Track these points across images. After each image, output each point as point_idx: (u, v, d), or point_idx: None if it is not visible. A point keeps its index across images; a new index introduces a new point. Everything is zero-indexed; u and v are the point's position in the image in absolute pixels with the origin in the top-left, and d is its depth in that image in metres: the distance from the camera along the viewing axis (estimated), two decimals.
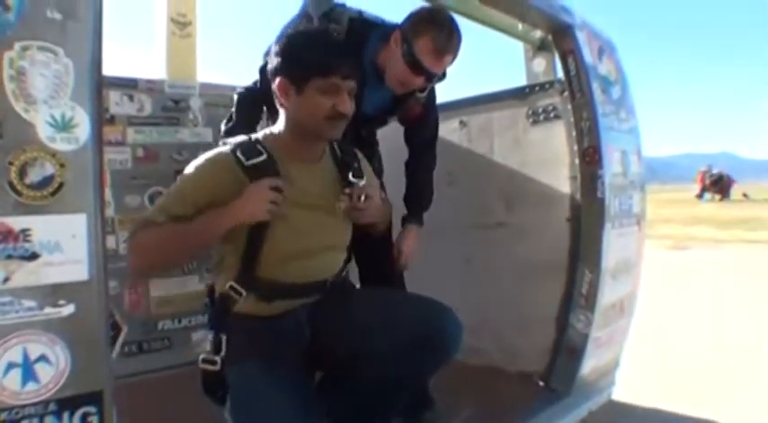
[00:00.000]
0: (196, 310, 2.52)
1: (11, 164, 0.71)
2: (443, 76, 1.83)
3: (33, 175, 0.73)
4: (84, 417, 0.78)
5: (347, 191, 1.39)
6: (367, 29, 1.87)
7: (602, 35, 2.35)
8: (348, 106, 1.34)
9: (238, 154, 1.29)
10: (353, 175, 1.45)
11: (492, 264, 2.47)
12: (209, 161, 1.31)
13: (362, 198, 1.38)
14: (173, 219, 1.23)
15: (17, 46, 0.72)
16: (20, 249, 0.72)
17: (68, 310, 0.76)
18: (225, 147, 1.34)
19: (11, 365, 0.73)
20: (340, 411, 1.40)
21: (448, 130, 2.57)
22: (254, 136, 1.40)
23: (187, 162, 2.52)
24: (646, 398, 2.58)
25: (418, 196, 2.07)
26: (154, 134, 2.59)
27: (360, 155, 1.58)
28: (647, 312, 2.93)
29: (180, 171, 2.54)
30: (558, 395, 2.14)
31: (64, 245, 0.75)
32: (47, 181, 0.74)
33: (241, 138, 1.37)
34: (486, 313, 2.31)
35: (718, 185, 22.51)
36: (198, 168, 1.30)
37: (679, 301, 4.85)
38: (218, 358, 1.29)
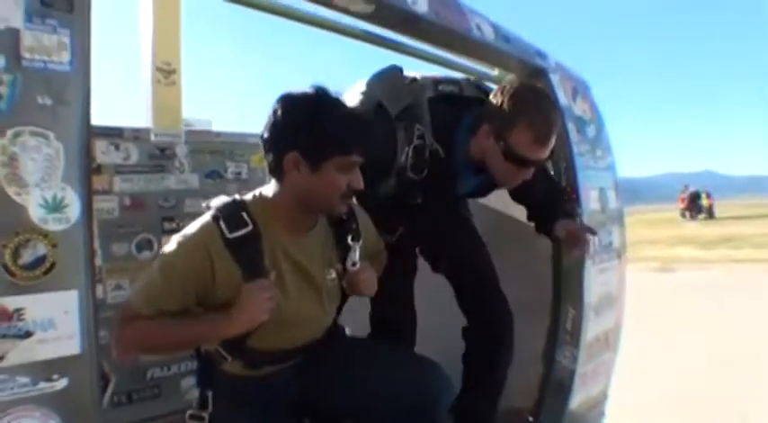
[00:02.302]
0: (185, 357, 2.52)
1: (4, 246, 0.74)
2: (552, 154, 1.69)
3: (26, 256, 0.76)
4: None
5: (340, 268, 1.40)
6: (453, 117, 1.76)
7: (576, 75, 2.44)
8: (361, 182, 1.30)
9: (221, 224, 1.24)
10: (352, 238, 1.43)
11: None
12: (191, 247, 1.24)
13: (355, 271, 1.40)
14: (162, 312, 1.20)
15: (9, 133, 0.76)
16: (14, 329, 0.74)
17: (62, 384, 0.79)
18: (207, 216, 1.27)
19: None
20: None
21: None
22: (241, 199, 1.33)
23: (174, 209, 2.57)
24: None
25: (563, 204, 1.98)
26: (140, 182, 2.61)
27: (358, 210, 1.52)
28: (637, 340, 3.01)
29: (167, 218, 2.58)
30: None
31: (57, 321, 0.78)
32: (39, 261, 0.77)
33: (225, 201, 1.30)
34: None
35: (696, 203, 22.92)
36: (181, 255, 1.23)
37: (670, 326, 4.94)
38: (205, 414, 1.29)
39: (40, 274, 0.77)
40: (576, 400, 2.20)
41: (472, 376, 1.97)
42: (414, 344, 2.06)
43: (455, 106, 1.76)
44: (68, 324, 0.79)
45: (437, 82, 1.77)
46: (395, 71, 1.77)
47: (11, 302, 0.75)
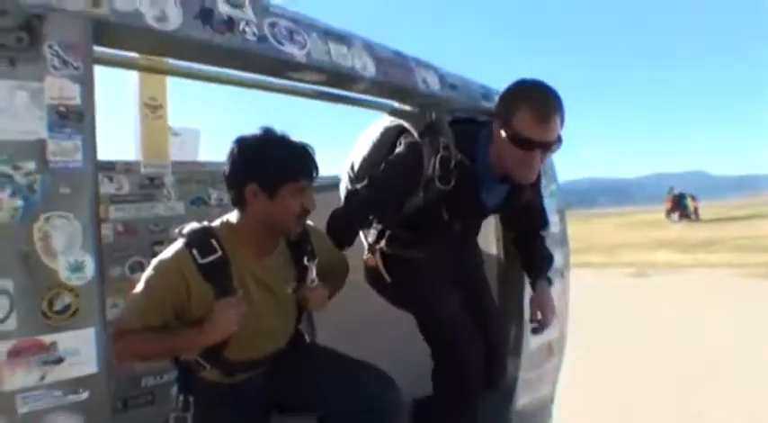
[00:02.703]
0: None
1: (42, 299, 1.03)
2: (560, 141, 1.72)
3: (57, 305, 1.05)
4: None
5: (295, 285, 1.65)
6: (472, 131, 1.87)
7: None
8: (313, 204, 1.54)
9: (194, 252, 1.46)
10: (307, 259, 1.67)
11: None
12: (167, 272, 1.45)
13: (312, 288, 1.65)
14: (148, 327, 1.41)
15: (42, 217, 1.05)
16: (50, 357, 1.03)
17: (84, 395, 1.08)
18: (180, 243, 1.48)
19: None
20: None
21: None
22: (209, 226, 1.55)
23: (162, 232, 2.83)
24: None
25: (544, 259, 2.15)
26: (132, 210, 2.87)
27: (314, 232, 1.74)
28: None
29: (157, 242, 2.82)
30: None
31: (81, 350, 1.06)
32: (67, 308, 1.06)
33: (195, 228, 1.52)
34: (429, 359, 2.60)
35: (681, 205, 23.03)
36: (158, 279, 1.45)
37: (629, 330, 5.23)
38: (187, 415, 1.53)
39: (68, 317, 1.06)
40: (522, 402, 2.48)
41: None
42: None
43: (473, 125, 1.93)
44: (88, 352, 1.08)
45: (451, 112, 2.02)
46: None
47: (48, 338, 1.03)
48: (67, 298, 1.06)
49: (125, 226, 2.87)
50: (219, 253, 1.48)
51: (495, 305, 2.24)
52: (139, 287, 1.47)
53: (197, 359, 1.53)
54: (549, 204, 2.66)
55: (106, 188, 2.86)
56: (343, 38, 1.76)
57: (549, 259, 2.16)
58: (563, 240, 2.73)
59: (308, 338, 1.88)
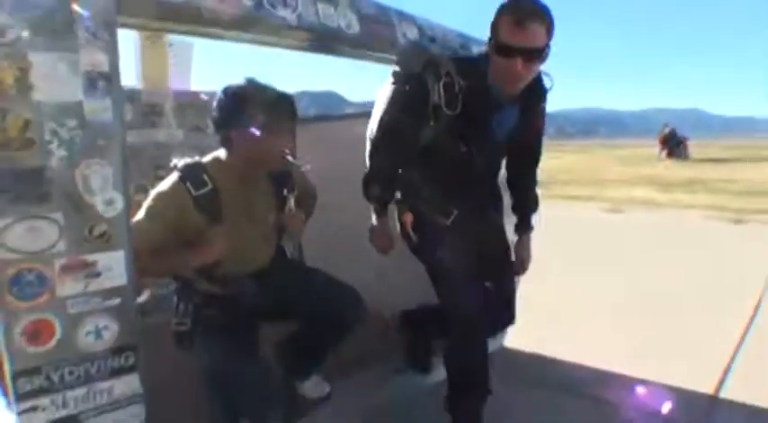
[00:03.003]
0: None
1: (84, 227, 1.34)
2: (542, 50, 1.80)
3: (95, 232, 1.35)
4: (126, 357, 1.45)
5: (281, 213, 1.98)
6: (473, 59, 2.04)
7: None
8: (290, 143, 1.86)
9: (188, 185, 1.74)
10: (287, 191, 2.00)
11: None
12: (166, 201, 1.74)
13: (290, 215, 1.99)
14: (150, 249, 1.65)
15: (83, 163, 1.32)
16: (91, 271, 1.35)
17: (116, 301, 1.40)
18: (175, 177, 1.76)
19: (88, 332, 1.37)
20: (285, 353, 2.13)
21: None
22: (201, 162, 1.82)
23: (164, 157, 3.08)
24: (529, 344, 3.31)
25: (528, 205, 2.33)
26: (135, 136, 3.11)
27: (297, 166, 2.01)
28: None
29: (159, 166, 3.08)
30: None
31: (113, 267, 1.38)
32: (103, 234, 1.36)
33: (188, 163, 1.79)
34: (399, 281, 2.75)
35: (670, 143, 23.09)
36: (159, 207, 1.73)
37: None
38: (187, 321, 1.87)
39: (104, 242, 1.36)
40: None
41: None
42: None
43: (475, 56, 2.09)
44: (119, 268, 1.39)
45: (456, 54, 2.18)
46: (413, 45, 2.16)
47: (90, 257, 1.35)
48: (103, 226, 1.36)
49: (130, 150, 3.12)
50: (210, 186, 1.77)
51: (510, 263, 2.37)
52: (141, 215, 1.73)
53: (193, 275, 1.86)
54: None
55: None
56: None
57: (535, 204, 2.34)
58: None
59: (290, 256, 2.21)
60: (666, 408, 2.49)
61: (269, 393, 1.86)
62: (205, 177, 1.78)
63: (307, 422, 2.14)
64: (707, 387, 2.75)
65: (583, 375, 2.93)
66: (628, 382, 2.78)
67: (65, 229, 1.30)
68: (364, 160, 2.19)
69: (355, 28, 2.03)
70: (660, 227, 7.92)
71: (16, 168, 1.22)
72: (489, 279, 2.22)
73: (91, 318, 1.37)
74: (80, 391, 1.40)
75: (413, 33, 2.30)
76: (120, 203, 1.39)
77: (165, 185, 1.79)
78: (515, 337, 3.19)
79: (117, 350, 1.44)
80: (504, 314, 2.34)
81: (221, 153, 1.87)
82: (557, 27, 1.81)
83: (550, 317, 3.67)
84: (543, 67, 1.95)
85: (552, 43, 1.82)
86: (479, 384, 2.10)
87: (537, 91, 2.03)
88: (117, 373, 1.45)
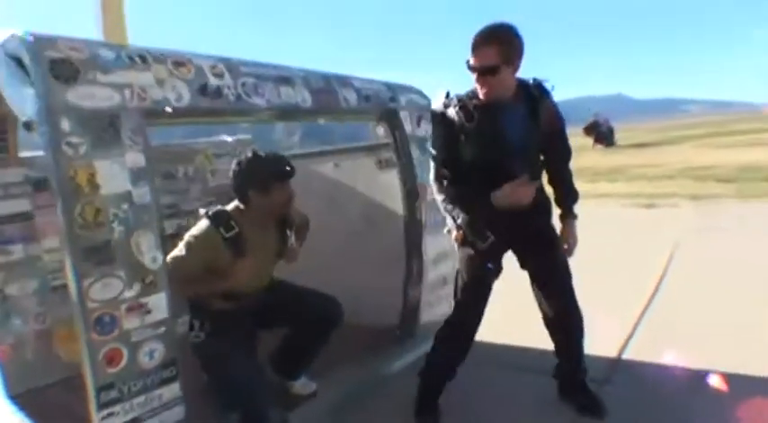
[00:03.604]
0: None
1: (139, 279, 1.87)
2: (494, 69, 2.19)
3: (147, 281, 1.88)
4: (171, 370, 1.98)
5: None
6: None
7: (422, 103, 3.53)
8: (293, 192, 2.45)
9: (221, 230, 2.32)
10: (288, 230, 2.64)
11: (361, 257, 3.67)
12: (203, 243, 2.31)
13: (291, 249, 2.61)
14: (185, 277, 2.23)
15: (134, 234, 1.86)
16: (145, 310, 1.88)
17: (162, 329, 1.94)
18: (208, 223, 2.33)
19: (145, 354, 1.91)
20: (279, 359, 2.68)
21: (326, 169, 3.82)
22: (226, 210, 2.41)
23: None
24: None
25: (568, 196, 2.63)
26: None
27: (293, 209, 2.60)
28: None
29: None
30: (406, 339, 3.41)
31: (159, 305, 1.92)
32: (151, 282, 1.90)
33: (218, 211, 2.38)
34: (366, 289, 3.42)
35: (597, 131, 23.90)
36: (197, 247, 2.30)
37: None
38: (202, 334, 2.40)
39: (152, 287, 1.91)
40: (425, 318, 3.46)
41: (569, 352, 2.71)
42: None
43: None
44: (163, 305, 1.94)
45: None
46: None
47: (144, 300, 1.88)
48: (150, 276, 1.91)
49: None
50: (236, 230, 2.35)
51: (557, 258, 2.62)
52: (181, 251, 2.30)
53: (213, 296, 2.41)
54: None
55: None
56: (287, 80, 2.56)
57: (575, 195, 2.65)
58: None
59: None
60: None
61: (267, 390, 2.43)
62: (232, 223, 2.35)
63: (298, 413, 2.69)
64: (611, 351, 3.39)
65: (504, 348, 3.45)
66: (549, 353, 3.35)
67: (126, 281, 1.84)
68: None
69: (308, 101, 2.62)
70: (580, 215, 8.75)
71: (94, 243, 1.76)
72: (539, 280, 2.62)
73: (146, 343, 1.91)
74: (141, 399, 1.93)
75: (352, 97, 2.91)
76: (160, 258, 1.94)
77: (201, 229, 2.36)
78: None
79: (164, 366, 1.98)
80: (564, 314, 2.65)
81: (239, 204, 2.46)
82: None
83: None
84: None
85: (516, 58, 2.25)
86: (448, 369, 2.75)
87: (536, 94, 2.40)
88: (165, 382, 1.99)
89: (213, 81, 2.18)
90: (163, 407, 1.99)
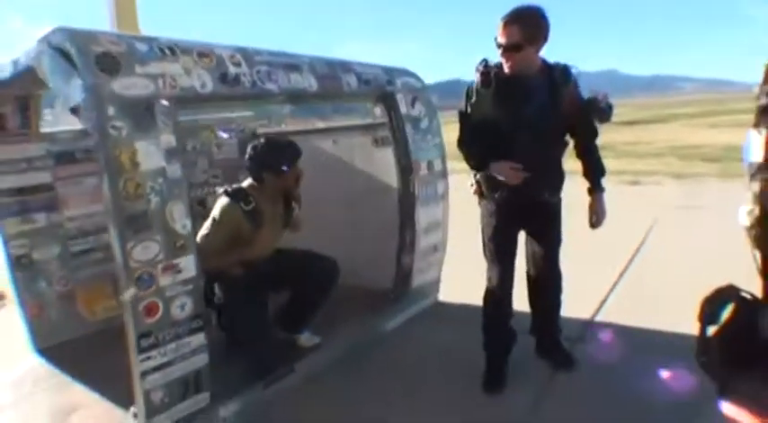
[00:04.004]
0: None
1: (172, 243, 2.18)
2: (519, 46, 2.35)
3: (178, 244, 2.19)
4: (198, 321, 2.31)
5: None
6: None
7: (417, 86, 3.81)
8: (300, 175, 2.87)
9: (241, 204, 2.70)
10: (295, 202, 2.99)
11: (359, 226, 3.99)
12: (228, 215, 2.70)
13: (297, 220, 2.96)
14: (214, 249, 2.64)
15: (169, 203, 2.16)
16: (177, 269, 2.19)
17: (190, 286, 2.25)
18: (229, 199, 2.71)
19: (176, 307, 2.23)
20: (285, 316, 3.03)
21: (326, 146, 4.11)
22: (245, 188, 2.80)
23: None
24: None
25: (595, 171, 2.72)
26: None
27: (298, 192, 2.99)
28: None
29: None
30: (398, 301, 3.75)
31: (188, 265, 2.23)
32: (182, 246, 2.20)
33: (236, 189, 2.77)
34: (364, 255, 3.75)
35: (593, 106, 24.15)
36: (224, 219, 2.70)
37: None
38: (221, 297, 2.76)
39: (183, 250, 2.21)
40: (416, 282, 3.82)
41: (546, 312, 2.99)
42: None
43: None
44: (191, 266, 2.25)
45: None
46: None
47: (176, 261, 2.19)
48: (181, 240, 2.22)
49: None
50: (254, 204, 2.75)
51: (552, 229, 2.83)
52: (209, 228, 2.72)
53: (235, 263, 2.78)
54: (434, 152, 3.77)
55: None
56: (296, 67, 2.83)
57: (601, 170, 2.75)
58: (444, 175, 3.93)
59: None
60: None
61: (273, 343, 2.84)
62: (250, 198, 2.75)
63: (303, 364, 3.03)
64: (585, 313, 3.74)
65: None
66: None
67: (162, 245, 2.15)
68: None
69: (315, 86, 2.90)
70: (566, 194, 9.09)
71: (135, 212, 2.06)
72: (534, 250, 2.84)
73: (178, 298, 2.23)
74: (173, 345, 2.25)
75: (353, 81, 3.19)
76: (189, 225, 2.24)
77: (223, 205, 2.73)
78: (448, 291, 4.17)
79: (193, 317, 2.30)
80: (549, 277, 2.91)
81: (253, 182, 2.84)
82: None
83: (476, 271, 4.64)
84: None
85: (539, 38, 2.40)
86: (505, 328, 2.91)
87: (561, 75, 2.53)
88: (192, 332, 2.31)
89: (232, 69, 2.45)
90: (191, 353, 2.32)
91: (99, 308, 3.82)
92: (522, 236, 2.85)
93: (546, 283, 2.92)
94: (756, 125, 1.35)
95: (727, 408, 1.38)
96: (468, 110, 2.60)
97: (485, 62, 2.53)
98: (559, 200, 2.80)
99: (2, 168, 3.39)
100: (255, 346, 2.76)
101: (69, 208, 3.70)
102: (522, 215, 2.74)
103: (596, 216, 2.76)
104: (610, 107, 23.71)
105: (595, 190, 2.75)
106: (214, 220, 2.72)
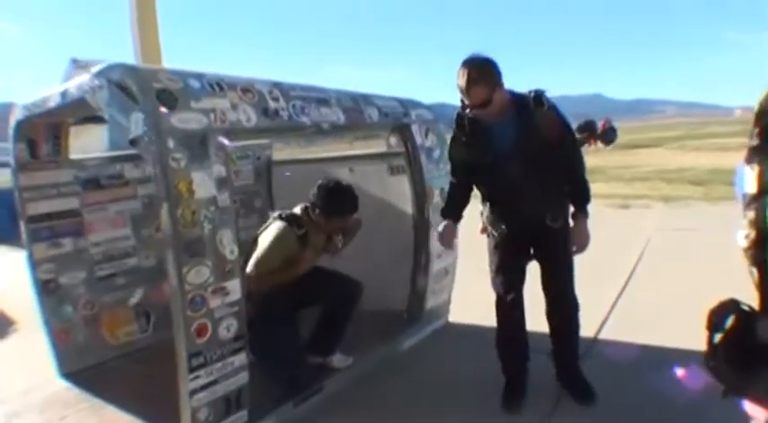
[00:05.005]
0: None
1: (221, 267, 2.32)
2: (488, 102, 2.48)
3: (227, 269, 2.33)
4: (241, 342, 2.45)
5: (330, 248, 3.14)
6: None
7: (429, 118, 3.99)
8: (350, 224, 3.19)
9: (295, 229, 2.94)
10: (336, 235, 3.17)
11: (377, 250, 4.08)
12: (283, 239, 2.91)
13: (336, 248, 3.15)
14: (269, 269, 2.83)
15: (220, 232, 2.31)
16: (225, 292, 2.33)
17: (236, 308, 2.39)
18: (283, 223, 2.95)
19: (223, 328, 2.36)
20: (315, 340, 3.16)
21: (342, 174, 4.27)
22: (297, 214, 3.04)
23: None
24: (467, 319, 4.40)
25: (580, 196, 2.75)
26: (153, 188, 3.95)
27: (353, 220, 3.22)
28: None
29: None
30: (413, 322, 3.89)
31: (235, 288, 2.37)
32: (230, 270, 2.34)
33: (290, 215, 3.02)
34: (379, 279, 3.71)
35: (587, 132, 23.58)
36: (280, 243, 2.89)
37: None
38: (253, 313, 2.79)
39: (230, 274, 2.36)
40: (429, 304, 3.96)
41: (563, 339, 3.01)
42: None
43: None
44: (237, 288, 2.39)
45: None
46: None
47: (224, 284, 2.34)
48: (229, 265, 2.35)
49: (150, 199, 3.99)
50: (305, 230, 3.01)
51: (561, 255, 2.86)
52: (266, 250, 2.88)
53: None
54: (445, 180, 3.95)
55: (131, 173, 3.98)
56: (326, 101, 3.02)
57: (587, 195, 2.77)
58: None
59: None
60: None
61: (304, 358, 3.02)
62: (302, 222, 3.02)
63: (331, 382, 3.15)
64: (589, 332, 3.89)
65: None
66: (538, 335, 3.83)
67: (212, 269, 2.29)
68: None
69: (342, 119, 3.09)
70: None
71: (190, 238, 2.20)
72: (546, 279, 2.89)
73: (225, 319, 2.36)
74: (219, 364, 2.38)
75: (374, 113, 3.38)
76: (236, 250, 2.39)
77: (279, 230, 2.96)
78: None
79: (237, 338, 2.43)
80: (563, 304, 2.95)
81: (307, 211, 3.10)
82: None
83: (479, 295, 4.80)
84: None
85: (500, 83, 2.52)
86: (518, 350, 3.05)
87: (534, 101, 2.61)
88: (236, 351, 2.44)
89: (272, 104, 2.63)
90: (234, 372, 2.44)
91: (120, 332, 3.91)
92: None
93: (560, 310, 2.94)
94: (748, 162, 1.57)
95: (748, 406, 1.57)
96: (452, 152, 2.89)
97: (459, 111, 2.68)
98: (566, 223, 2.82)
99: (33, 194, 3.50)
100: (287, 365, 2.88)
101: (94, 233, 3.80)
102: (528, 243, 2.83)
103: (578, 241, 2.77)
104: (614, 130, 23.40)
105: (578, 215, 2.77)
106: (271, 244, 2.90)
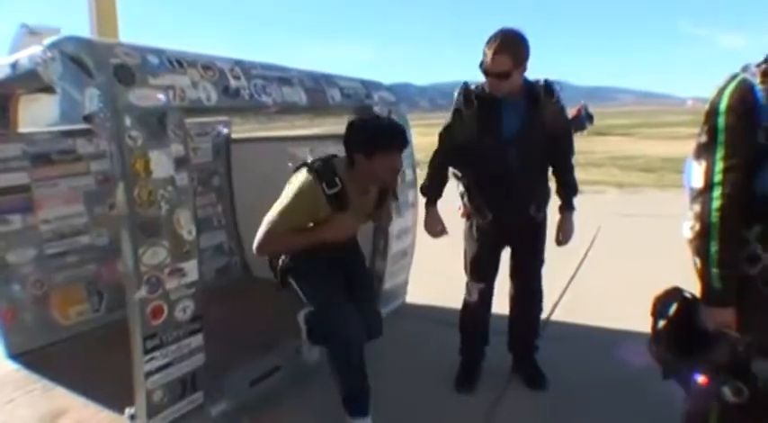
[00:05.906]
0: None
1: (178, 248, 2.28)
2: (508, 74, 2.41)
3: (184, 250, 2.29)
4: (197, 323, 2.42)
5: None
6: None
7: (392, 100, 3.97)
8: (400, 163, 2.42)
9: (323, 185, 2.29)
10: (390, 198, 2.73)
11: None
12: (305, 197, 2.30)
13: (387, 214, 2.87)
14: (288, 230, 2.33)
15: (177, 211, 2.27)
16: (182, 273, 2.29)
17: (193, 290, 2.36)
18: (311, 177, 2.31)
19: (179, 310, 2.33)
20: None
21: (302, 152, 4.23)
22: (332, 163, 2.39)
23: None
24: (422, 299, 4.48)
25: (569, 190, 2.80)
26: (107, 164, 3.78)
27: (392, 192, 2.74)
28: None
29: None
30: None
31: (192, 269, 2.33)
32: (188, 251, 2.31)
33: (323, 165, 2.35)
34: None
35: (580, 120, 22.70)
36: (299, 202, 2.30)
37: None
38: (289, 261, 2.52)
39: (187, 255, 2.32)
40: (388, 285, 3.99)
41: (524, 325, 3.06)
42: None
43: None
44: (194, 270, 2.35)
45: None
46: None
47: (181, 265, 2.30)
48: (187, 246, 2.32)
49: (104, 176, 3.88)
50: (339, 186, 2.34)
51: (536, 254, 2.92)
52: (285, 205, 2.33)
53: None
54: (407, 164, 4.00)
55: (85, 148, 3.85)
56: (288, 80, 2.97)
57: (574, 189, 2.85)
58: (414, 184, 4.11)
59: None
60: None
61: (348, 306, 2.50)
62: (336, 179, 2.33)
63: (288, 362, 3.14)
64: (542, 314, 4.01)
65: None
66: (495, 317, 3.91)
67: (169, 250, 2.25)
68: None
69: (304, 99, 3.04)
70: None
71: (147, 218, 2.16)
72: (518, 267, 2.94)
73: (181, 301, 2.33)
74: (174, 346, 2.35)
75: (337, 94, 3.35)
76: (194, 231, 2.35)
77: (303, 184, 2.34)
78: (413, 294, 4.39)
79: (193, 319, 2.40)
80: (531, 295, 3.03)
81: (350, 166, 2.40)
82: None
83: (436, 275, 4.87)
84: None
85: (525, 62, 2.49)
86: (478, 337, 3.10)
87: (544, 92, 2.59)
88: (192, 333, 2.42)
89: (233, 83, 2.57)
90: (189, 354, 2.42)
91: (72, 312, 3.81)
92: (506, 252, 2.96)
93: (527, 300, 3.01)
94: (697, 157, 1.63)
95: (700, 378, 1.67)
96: (451, 130, 2.75)
97: (465, 85, 2.66)
98: (545, 216, 2.87)
99: None
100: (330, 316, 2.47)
101: (44, 210, 3.68)
102: (509, 233, 2.84)
103: (563, 234, 2.87)
104: (590, 117, 23.05)
105: (566, 208, 2.86)
106: (291, 203, 2.34)
